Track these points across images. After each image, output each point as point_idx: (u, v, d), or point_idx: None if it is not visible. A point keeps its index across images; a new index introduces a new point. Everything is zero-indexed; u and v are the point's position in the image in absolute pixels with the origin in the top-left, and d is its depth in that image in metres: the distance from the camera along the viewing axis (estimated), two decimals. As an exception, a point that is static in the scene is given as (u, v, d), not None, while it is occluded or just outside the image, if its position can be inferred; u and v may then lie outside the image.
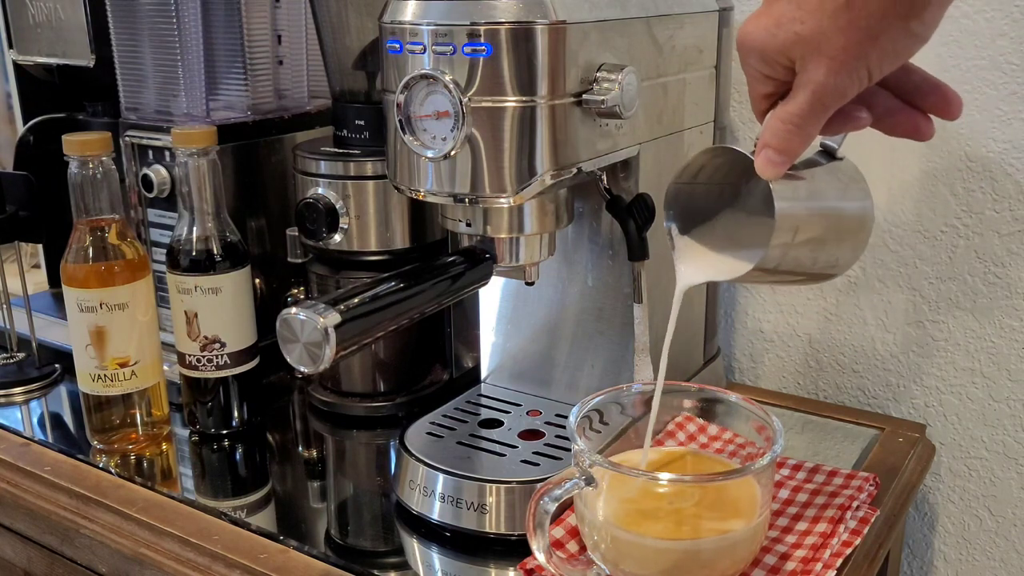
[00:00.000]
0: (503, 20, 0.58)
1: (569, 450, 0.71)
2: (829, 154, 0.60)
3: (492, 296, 0.85)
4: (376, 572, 0.67)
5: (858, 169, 0.62)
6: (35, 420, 0.92)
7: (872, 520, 0.69)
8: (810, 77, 0.49)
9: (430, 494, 0.71)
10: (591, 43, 0.62)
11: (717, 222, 0.62)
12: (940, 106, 0.55)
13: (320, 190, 0.82)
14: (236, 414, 0.87)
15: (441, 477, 0.70)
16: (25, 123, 1.06)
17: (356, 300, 0.60)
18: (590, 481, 0.58)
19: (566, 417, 0.64)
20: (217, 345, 0.83)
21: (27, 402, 0.95)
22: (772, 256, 0.56)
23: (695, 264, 0.61)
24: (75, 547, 0.77)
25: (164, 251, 0.84)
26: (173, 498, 0.76)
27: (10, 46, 1.06)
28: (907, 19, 0.46)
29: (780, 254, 0.56)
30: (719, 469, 0.65)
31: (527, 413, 0.81)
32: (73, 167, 0.79)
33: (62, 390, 0.97)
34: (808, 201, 0.58)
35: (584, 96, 0.62)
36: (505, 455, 0.74)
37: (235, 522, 0.73)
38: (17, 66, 1.08)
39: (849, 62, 0.48)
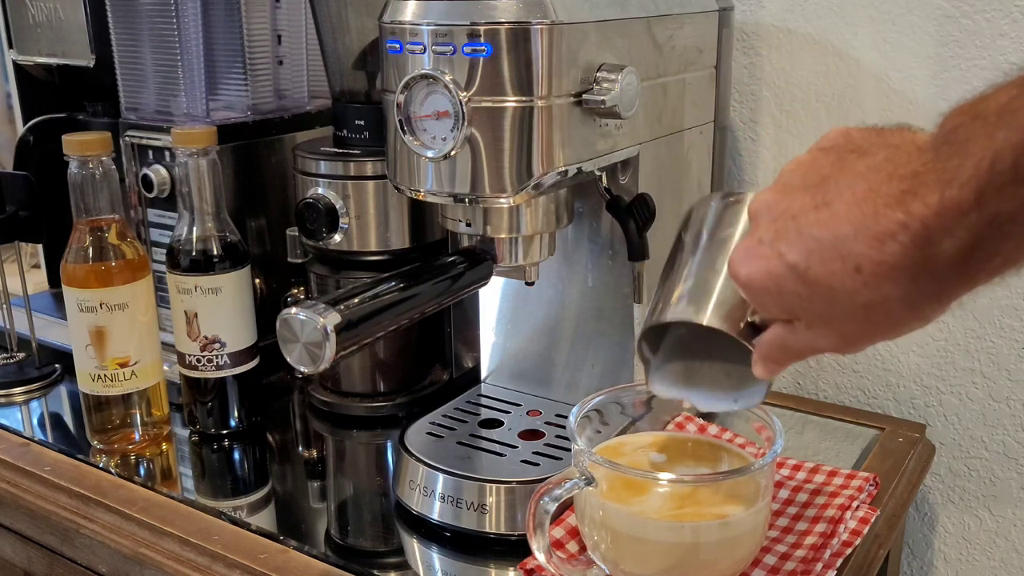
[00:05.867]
0: (503, 20, 0.58)
1: (569, 450, 0.71)
2: None
3: (492, 296, 0.85)
4: (376, 572, 0.67)
5: None
6: (35, 420, 0.92)
7: (872, 520, 0.69)
8: (817, 342, 0.47)
9: (430, 494, 0.71)
10: (591, 43, 0.62)
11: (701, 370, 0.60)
12: None
13: (320, 190, 0.82)
14: (236, 414, 0.87)
15: (441, 477, 0.70)
16: (25, 123, 1.06)
17: (356, 300, 0.60)
18: (590, 481, 0.58)
19: (566, 417, 0.64)
20: (217, 345, 0.83)
21: (27, 402, 0.95)
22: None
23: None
24: (75, 547, 0.77)
25: (164, 251, 0.84)
26: (173, 498, 0.76)
27: (10, 46, 1.06)
28: (927, 320, 0.44)
29: None
30: (721, 455, 0.65)
31: (527, 413, 0.81)
32: (73, 167, 0.79)
33: (62, 390, 0.97)
34: None
35: (584, 96, 0.62)
36: (505, 455, 0.74)
37: (235, 522, 0.73)
38: (17, 66, 1.08)
39: (858, 344, 0.47)
